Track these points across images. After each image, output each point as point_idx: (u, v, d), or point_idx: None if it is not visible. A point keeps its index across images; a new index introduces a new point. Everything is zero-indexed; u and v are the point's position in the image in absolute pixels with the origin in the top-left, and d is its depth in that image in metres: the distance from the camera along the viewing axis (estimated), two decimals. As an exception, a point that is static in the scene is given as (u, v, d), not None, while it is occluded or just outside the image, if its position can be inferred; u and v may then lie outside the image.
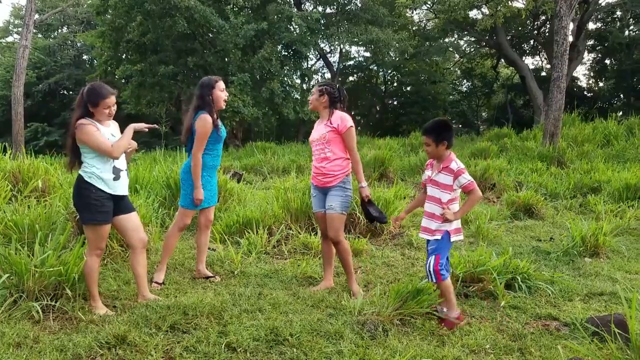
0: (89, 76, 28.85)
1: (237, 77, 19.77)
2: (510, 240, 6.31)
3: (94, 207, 3.73)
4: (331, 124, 4.28)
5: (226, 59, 21.19)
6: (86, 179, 3.74)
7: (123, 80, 25.45)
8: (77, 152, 3.81)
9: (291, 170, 11.63)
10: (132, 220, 3.96)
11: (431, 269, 3.64)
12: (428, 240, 3.78)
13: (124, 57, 23.34)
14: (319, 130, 4.39)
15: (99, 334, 3.34)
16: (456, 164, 3.64)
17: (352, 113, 35.87)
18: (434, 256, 3.63)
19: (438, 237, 3.66)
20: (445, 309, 3.71)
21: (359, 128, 34.00)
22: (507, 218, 7.45)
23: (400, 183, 9.70)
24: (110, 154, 3.72)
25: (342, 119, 4.26)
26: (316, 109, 4.45)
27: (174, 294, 4.19)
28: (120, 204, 3.89)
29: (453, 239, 3.70)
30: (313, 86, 29.28)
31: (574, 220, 6.83)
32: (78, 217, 5.12)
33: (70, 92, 34.05)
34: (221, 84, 4.55)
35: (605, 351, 3.14)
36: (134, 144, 4.02)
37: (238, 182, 9.16)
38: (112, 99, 3.82)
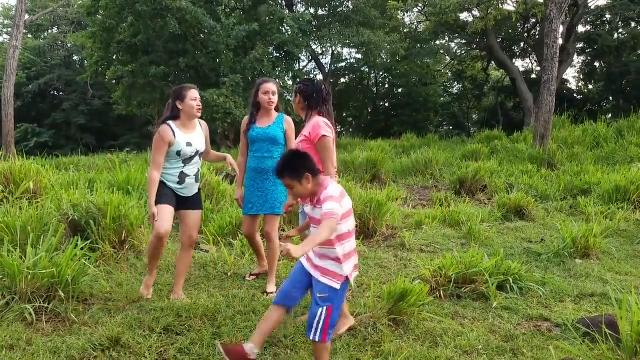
0: (79, 77, 28.70)
1: (229, 79, 19.72)
2: (501, 241, 6.35)
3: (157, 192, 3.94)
4: (303, 131, 3.71)
5: (218, 60, 21.13)
6: None
7: (114, 82, 25.33)
8: None
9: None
10: (190, 217, 4.14)
11: (320, 324, 2.84)
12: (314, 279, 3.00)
13: (114, 58, 23.19)
14: (297, 139, 3.80)
15: (92, 335, 3.33)
16: (325, 193, 2.88)
17: (344, 115, 35.95)
18: (325, 307, 2.85)
19: (336, 285, 2.90)
20: None
21: (350, 130, 34.10)
22: (498, 220, 7.49)
23: (392, 185, 9.74)
24: (150, 172, 3.95)
25: (315, 126, 3.61)
26: (298, 113, 3.92)
27: (167, 296, 4.19)
28: (187, 199, 4.12)
29: (352, 275, 2.99)
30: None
31: (564, 221, 6.89)
32: (70, 218, 5.14)
33: (61, 93, 33.89)
34: (265, 86, 4.44)
35: (597, 352, 3.18)
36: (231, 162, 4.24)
37: (230, 183, 9.14)
38: (197, 93, 4.08)
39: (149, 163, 4.14)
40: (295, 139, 4.23)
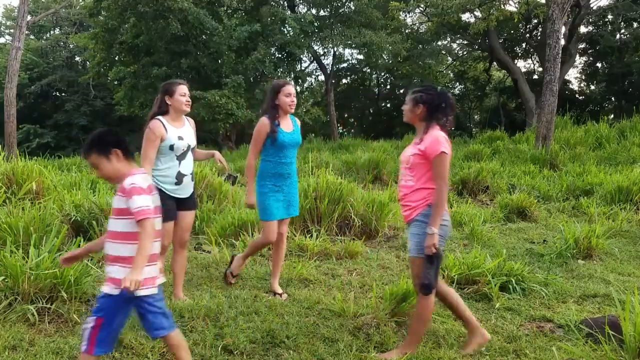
0: (81, 78, 28.75)
1: (231, 79, 19.77)
2: (504, 242, 6.34)
3: None
4: (420, 143, 3.33)
5: (219, 61, 21.17)
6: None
7: (116, 82, 25.37)
8: None
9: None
10: (184, 218, 4.08)
11: (87, 333, 2.53)
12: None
13: (116, 58, 23.27)
14: (407, 150, 3.45)
15: (95, 336, 3.33)
16: (131, 179, 2.59)
17: (346, 115, 35.96)
18: (95, 318, 2.54)
19: (113, 291, 2.53)
20: None
21: (352, 131, 34.11)
22: (500, 220, 7.49)
23: (394, 185, 9.72)
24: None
25: (434, 141, 3.24)
26: (411, 121, 3.48)
27: (169, 297, 4.19)
28: (183, 201, 4.03)
29: (142, 292, 2.56)
30: (307, 88, 29.35)
31: (566, 222, 6.88)
32: (72, 219, 5.15)
33: (63, 94, 33.91)
34: (287, 88, 4.28)
35: (599, 353, 3.17)
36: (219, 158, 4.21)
37: (232, 184, 9.16)
38: (186, 88, 3.99)
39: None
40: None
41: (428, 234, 3.14)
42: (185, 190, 4.03)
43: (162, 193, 3.85)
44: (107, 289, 2.56)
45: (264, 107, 4.37)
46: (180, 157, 3.97)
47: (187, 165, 4.02)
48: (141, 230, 2.51)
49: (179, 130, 3.97)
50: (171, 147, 3.91)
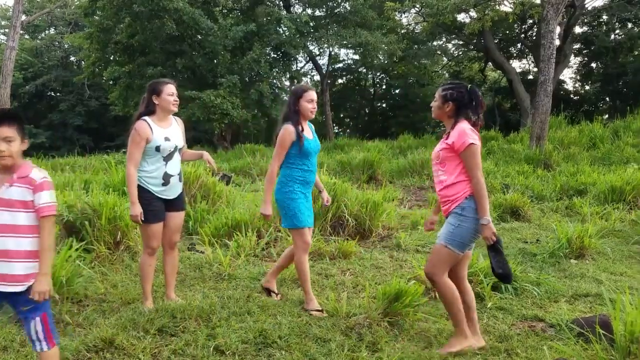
0: (76, 78, 28.67)
1: (226, 79, 19.75)
2: (497, 242, 6.34)
3: (143, 206, 3.78)
4: (447, 138, 3.37)
5: (215, 61, 21.15)
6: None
7: (111, 82, 25.29)
8: None
9: (280, 172, 11.60)
10: (173, 219, 4.03)
11: (41, 336, 2.53)
12: (12, 295, 2.51)
13: (111, 58, 23.21)
14: (437, 147, 3.48)
15: (86, 337, 3.33)
16: (40, 172, 2.51)
17: (341, 115, 35.97)
18: (39, 317, 2.52)
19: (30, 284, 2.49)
20: None
21: (347, 130, 34.11)
22: (493, 220, 7.48)
23: (389, 185, 9.75)
24: (127, 169, 3.82)
25: (461, 133, 3.26)
26: (440, 118, 3.51)
27: (161, 297, 4.18)
28: (171, 202, 3.98)
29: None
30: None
31: (560, 222, 6.90)
32: (65, 220, 5.13)
33: (58, 94, 33.80)
34: (310, 94, 4.07)
35: (590, 352, 3.19)
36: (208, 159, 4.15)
37: (227, 184, 9.14)
38: (173, 87, 3.94)
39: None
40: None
41: (483, 225, 3.18)
42: (172, 191, 3.97)
43: (149, 194, 3.84)
44: (29, 282, 2.50)
45: (285, 113, 4.15)
46: (167, 158, 3.91)
47: (174, 166, 3.96)
48: (46, 228, 2.48)
49: (165, 131, 3.90)
50: (157, 149, 3.84)
